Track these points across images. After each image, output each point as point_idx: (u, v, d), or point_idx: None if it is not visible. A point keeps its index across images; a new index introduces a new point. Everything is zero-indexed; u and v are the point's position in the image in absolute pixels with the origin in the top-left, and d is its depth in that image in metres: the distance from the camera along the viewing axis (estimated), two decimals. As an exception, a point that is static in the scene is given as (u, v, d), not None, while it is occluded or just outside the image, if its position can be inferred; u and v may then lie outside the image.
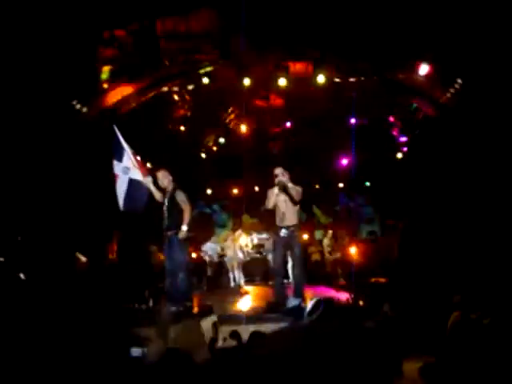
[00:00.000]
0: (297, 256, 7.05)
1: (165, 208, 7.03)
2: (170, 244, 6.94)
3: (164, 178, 7.14)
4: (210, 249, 13.26)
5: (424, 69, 9.43)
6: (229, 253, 12.50)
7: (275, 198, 6.93)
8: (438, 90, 9.99)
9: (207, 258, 13.06)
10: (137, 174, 7.34)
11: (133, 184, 7.33)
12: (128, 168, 7.37)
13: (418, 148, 12.39)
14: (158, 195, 7.18)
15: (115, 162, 7.45)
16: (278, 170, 7.01)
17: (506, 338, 4.52)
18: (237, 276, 12.18)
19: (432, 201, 11.66)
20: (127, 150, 7.38)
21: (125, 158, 7.44)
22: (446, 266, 8.16)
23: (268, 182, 7.28)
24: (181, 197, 6.99)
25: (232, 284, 12.00)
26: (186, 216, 6.91)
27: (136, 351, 5.20)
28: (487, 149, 9.16)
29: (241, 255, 12.41)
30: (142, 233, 10.59)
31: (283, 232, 6.96)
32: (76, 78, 8.88)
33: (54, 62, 8.29)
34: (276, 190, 6.88)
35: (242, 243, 12.45)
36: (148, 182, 7.15)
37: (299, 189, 7.07)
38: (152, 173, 7.39)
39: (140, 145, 9.71)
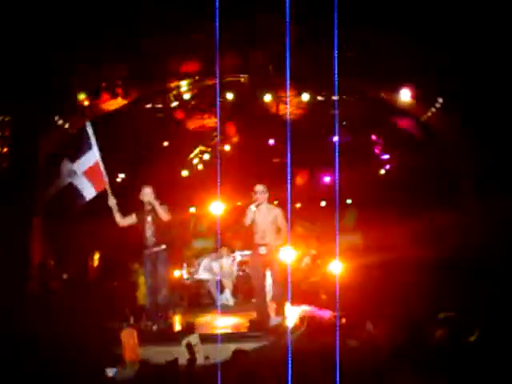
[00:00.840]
0: (276, 274, 7.02)
1: (148, 225, 6.94)
2: (153, 261, 6.89)
3: (150, 195, 6.96)
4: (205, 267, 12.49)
5: (405, 94, 9.57)
6: (225, 269, 12.01)
7: (253, 215, 6.91)
8: (420, 109, 10.12)
9: (205, 277, 12.19)
10: (84, 184, 6.97)
11: (70, 188, 7.05)
12: (74, 172, 7.01)
13: (400, 165, 12.53)
14: (119, 218, 6.96)
15: (65, 160, 7.12)
16: (259, 188, 6.99)
17: (493, 355, 4.53)
18: (229, 295, 11.66)
19: (414, 218, 11.75)
20: (90, 156, 6.95)
21: (80, 162, 7.03)
22: (430, 283, 8.20)
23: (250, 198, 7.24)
24: (165, 210, 6.93)
25: (226, 302, 11.34)
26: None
27: (111, 371, 5.10)
28: (470, 165, 9.29)
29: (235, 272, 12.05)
30: (122, 251, 10.48)
31: (262, 250, 6.93)
32: (52, 92, 8.83)
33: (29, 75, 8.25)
34: (253, 207, 6.86)
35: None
36: (112, 203, 6.91)
37: (278, 211, 7.04)
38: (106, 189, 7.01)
39: (119, 160, 9.67)
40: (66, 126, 9.77)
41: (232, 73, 10.18)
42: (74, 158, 7.04)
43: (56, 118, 9.61)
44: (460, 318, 5.81)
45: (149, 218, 6.93)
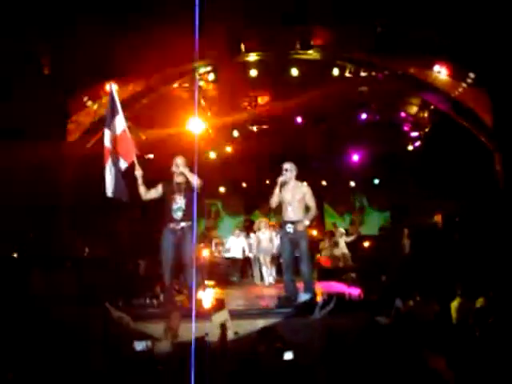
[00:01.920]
0: (303, 251, 6.98)
1: (177, 198, 6.65)
2: (179, 236, 6.62)
3: (182, 165, 6.62)
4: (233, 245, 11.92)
5: (436, 69, 9.45)
6: (263, 244, 10.97)
7: (280, 194, 6.86)
8: (450, 85, 9.92)
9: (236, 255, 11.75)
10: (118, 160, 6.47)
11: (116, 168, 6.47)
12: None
13: (430, 143, 12.34)
14: (143, 191, 6.64)
15: (106, 131, 6.56)
16: (288, 166, 6.94)
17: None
18: (267, 272, 10.83)
19: (442, 198, 11.64)
20: (116, 124, 6.48)
21: (107, 132, 6.54)
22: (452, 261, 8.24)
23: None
24: (196, 178, 6.56)
25: (261, 281, 10.83)
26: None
27: (139, 344, 5.13)
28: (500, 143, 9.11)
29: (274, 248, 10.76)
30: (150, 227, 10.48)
31: (289, 227, 6.91)
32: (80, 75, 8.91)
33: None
34: (277, 187, 6.82)
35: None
36: (138, 174, 6.59)
37: (306, 189, 7.00)
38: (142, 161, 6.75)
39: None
40: (95, 107, 9.87)
41: (258, 50, 10.10)
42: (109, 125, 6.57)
43: (85, 99, 9.73)
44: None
45: (179, 191, 6.66)
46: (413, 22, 8.73)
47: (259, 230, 11.03)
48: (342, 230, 13.48)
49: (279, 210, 7.10)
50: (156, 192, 6.74)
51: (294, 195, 6.87)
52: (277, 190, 6.84)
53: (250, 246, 11.60)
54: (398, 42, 9.13)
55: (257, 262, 11.19)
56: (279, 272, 10.55)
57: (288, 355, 4.43)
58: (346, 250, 12.56)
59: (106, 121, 6.68)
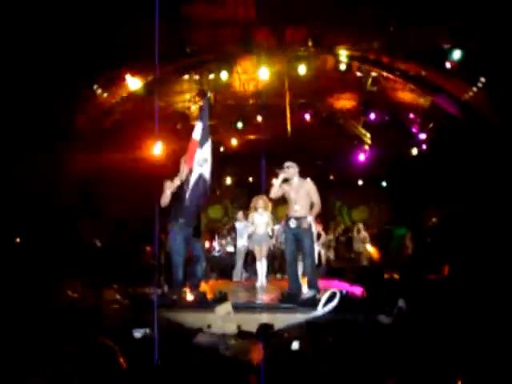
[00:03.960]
0: (306, 248, 6.99)
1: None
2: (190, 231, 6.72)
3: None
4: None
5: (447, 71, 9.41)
6: (259, 231, 8.85)
7: (282, 189, 6.92)
8: (460, 88, 9.91)
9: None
10: (205, 170, 6.61)
11: (200, 180, 6.59)
12: (206, 160, 6.65)
13: (438, 146, 12.32)
14: (167, 198, 6.52)
15: (198, 150, 6.61)
16: (288, 163, 6.97)
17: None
18: (261, 269, 8.79)
19: (447, 200, 11.64)
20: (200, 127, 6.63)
21: (206, 146, 6.68)
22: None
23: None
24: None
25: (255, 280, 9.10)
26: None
27: (138, 332, 5.19)
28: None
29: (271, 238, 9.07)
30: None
31: (292, 222, 6.94)
32: (92, 63, 8.92)
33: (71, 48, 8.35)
34: (279, 180, 6.86)
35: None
36: (177, 181, 6.58)
37: (310, 185, 7.01)
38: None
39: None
40: (105, 95, 9.91)
41: (269, 46, 10.09)
42: (202, 142, 6.66)
43: (95, 87, 9.74)
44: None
45: (187, 186, 6.60)
46: (426, 23, 8.71)
47: (255, 210, 8.81)
48: (360, 225, 13.42)
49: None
50: (172, 186, 6.62)
51: (298, 192, 6.92)
52: (277, 183, 6.87)
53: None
54: (410, 42, 9.12)
55: (242, 254, 9.80)
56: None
57: (295, 345, 4.51)
58: (362, 249, 12.63)
59: (199, 137, 6.64)
